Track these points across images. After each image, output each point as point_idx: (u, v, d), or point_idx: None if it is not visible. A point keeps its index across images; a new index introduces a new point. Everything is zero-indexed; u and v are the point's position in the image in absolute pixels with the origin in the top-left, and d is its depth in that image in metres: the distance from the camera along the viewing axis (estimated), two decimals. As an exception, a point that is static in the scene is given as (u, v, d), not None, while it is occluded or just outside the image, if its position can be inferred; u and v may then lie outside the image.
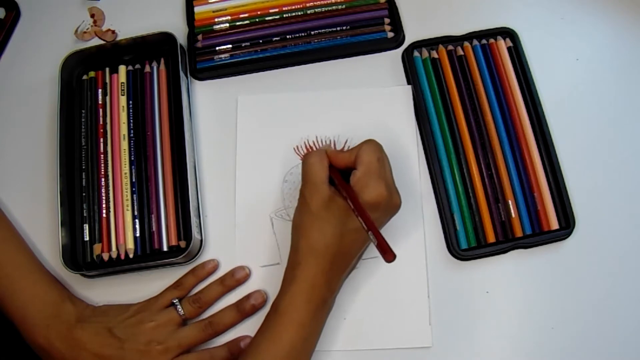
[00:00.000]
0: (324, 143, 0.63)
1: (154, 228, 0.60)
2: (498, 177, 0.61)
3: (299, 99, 0.65)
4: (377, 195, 0.51)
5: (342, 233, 0.52)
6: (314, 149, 0.63)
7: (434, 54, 0.66)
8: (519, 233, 0.59)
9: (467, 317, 0.58)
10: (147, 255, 0.60)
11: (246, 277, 0.59)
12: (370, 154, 0.53)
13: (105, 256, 0.60)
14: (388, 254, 0.46)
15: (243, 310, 0.57)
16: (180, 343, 0.55)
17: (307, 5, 0.68)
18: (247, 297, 0.58)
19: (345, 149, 0.62)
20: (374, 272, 0.58)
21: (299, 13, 0.68)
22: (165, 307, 0.57)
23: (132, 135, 0.63)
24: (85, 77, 0.66)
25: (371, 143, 0.54)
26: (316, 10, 0.68)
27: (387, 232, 0.52)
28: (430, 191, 0.61)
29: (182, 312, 0.57)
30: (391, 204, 0.53)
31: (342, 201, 0.52)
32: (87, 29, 0.70)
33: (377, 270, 0.58)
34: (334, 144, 0.63)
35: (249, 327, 0.58)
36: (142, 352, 0.54)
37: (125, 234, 0.60)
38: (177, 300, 0.57)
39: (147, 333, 0.55)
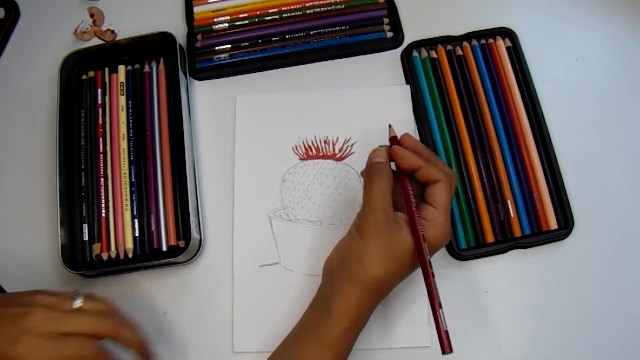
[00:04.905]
0: (323, 143, 0.63)
1: (153, 228, 0.60)
2: (497, 177, 0.61)
3: (298, 99, 0.65)
4: (444, 238, 0.49)
5: (387, 260, 0.48)
6: (313, 149, 0.63)
7: (433, 54, 0.66)
8: (517, 233, 0.59)
9: (466, 317, 0.58)
10: (146, 255, 0.60)
11: None
12: (449, 196, 0.49)
13: (105, 256, 0.60)
14: (446, 347, 0.45)
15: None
16: None
17: (306, 5, 0.68)
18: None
19: (344, 148, 0.63)
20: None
21: (298, 13, 0.68)
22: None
23: (131, 135, 0.63)
24: (84, 76, 0.66)
25: (452, 181, 0.50)
26: (315, 10, 0.68)
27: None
28: (429, 191, 0.61)
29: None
30: (449, 239, 0.51)
31: (391, 226, 0.48)
32: (86, 29, 0.70)
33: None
34: (333, 144, 0.63)
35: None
36: None
37: (124, 233, 0.60)
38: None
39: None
